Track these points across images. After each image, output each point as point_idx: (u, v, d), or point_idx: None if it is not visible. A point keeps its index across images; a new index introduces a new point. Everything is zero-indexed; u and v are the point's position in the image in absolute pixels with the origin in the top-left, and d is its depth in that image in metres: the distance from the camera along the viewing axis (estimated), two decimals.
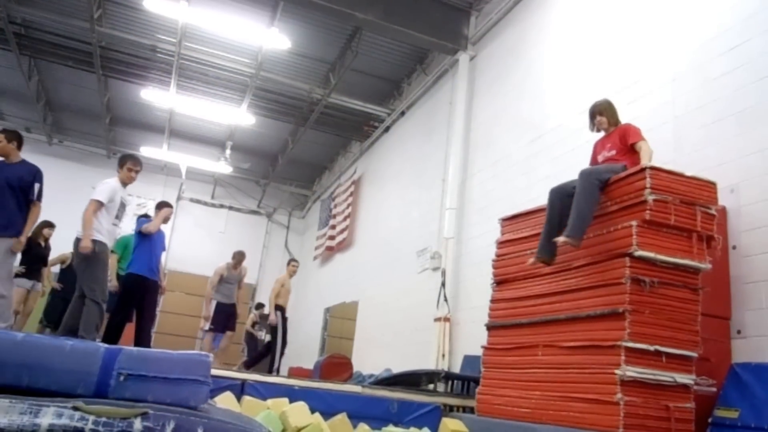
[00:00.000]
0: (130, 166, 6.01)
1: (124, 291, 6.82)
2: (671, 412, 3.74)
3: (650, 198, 3.93)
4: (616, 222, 4.13)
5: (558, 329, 4.36)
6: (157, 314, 9.83)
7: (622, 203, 4.16)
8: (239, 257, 9.64)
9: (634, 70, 5.99)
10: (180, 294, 16.47)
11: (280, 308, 9.20)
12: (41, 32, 11.44)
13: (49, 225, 8.20)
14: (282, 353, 9.06)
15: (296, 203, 19.23)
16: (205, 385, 2.18)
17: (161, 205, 7.23)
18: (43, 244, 8.13)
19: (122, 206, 5.97)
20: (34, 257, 7.83)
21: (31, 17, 10.96)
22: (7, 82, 13.78)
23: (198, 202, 18.06)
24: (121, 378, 2.02)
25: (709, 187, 4.23)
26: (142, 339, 6.66)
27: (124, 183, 5.99)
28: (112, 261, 7.20)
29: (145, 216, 7.24)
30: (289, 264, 9.80)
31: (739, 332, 4.36)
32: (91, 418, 1.84)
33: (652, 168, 4.05)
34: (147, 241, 6.87)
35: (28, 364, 1.96)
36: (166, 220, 7.07)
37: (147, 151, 15.81)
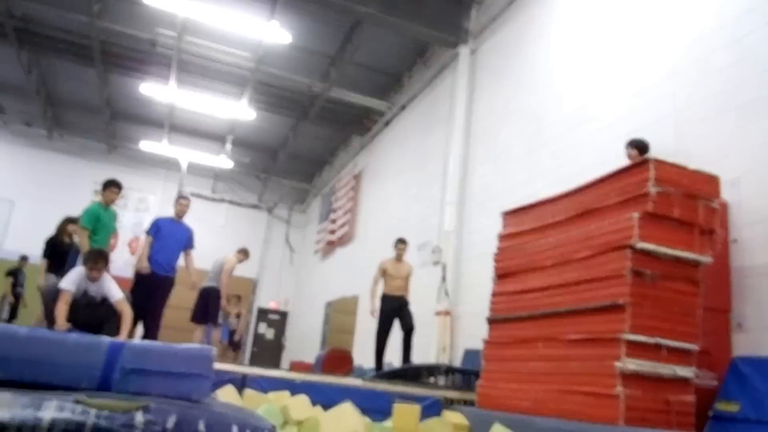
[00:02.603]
0: None
1: (132, 285, 6.80)
2: (672, 405, 3.74)
3: (653, 190, 3.92)
4: (618, 214, 4.11)
5: (559, 322, 4.36)
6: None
7: (624, 195, 4.14)
8: (248, 254, 9.35)
9: (635, 63, 5.97)
10: (180, 288, 16.45)
11: (384, 298, 7.59)
12: (41, 26, 11.41)
13: (72, 221, 7.91)
14: (380, 349, 7.56)
15: (297, 198, 19.23)
16: (208, 379, 2.18)
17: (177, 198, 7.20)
18: (69, 241, 7.92)
19: None
20: (61, 255, 7.60)
21: (31, 11, 10.93)
22: (8, 77, 13.76)
23: (198, 196, 18.02)
24: (125, 372, 2.03)
25: (712, 180, 4.22)
26: (148, 333, 6.66)
27: None
28: (84, 238, 6.25)
29: (174, 218, 7.08)
30: (395, 245, 7.91)
31: (739, 325, 4.36)
32: (93, 411, 1.84)
33: (656, 160, 4.03)
34: (156, 238, 6.85)
35: (31, 359, 1.97)
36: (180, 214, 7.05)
37: (147, 145, 15.81)
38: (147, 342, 2.23)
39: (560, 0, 7.63)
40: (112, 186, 6.63)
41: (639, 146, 5.09)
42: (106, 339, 2.14)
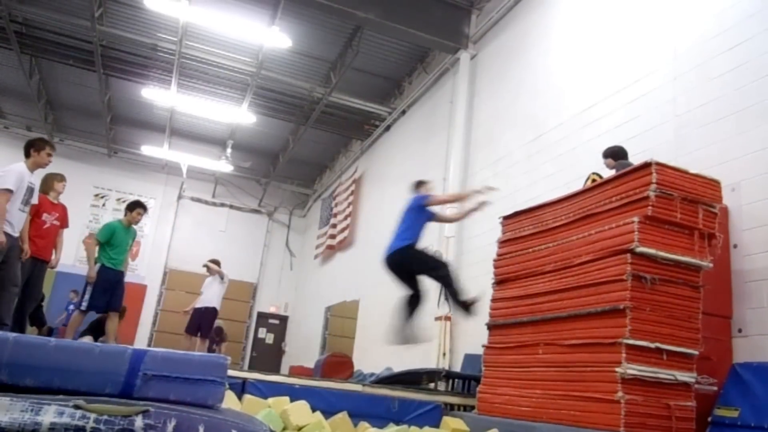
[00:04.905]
0: (49, 150, 5.96)
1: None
2: (672, 410, 3.73)
3: (652, 194, 3.92)
4: (619, 218, 4.11)
5: (559, 327, 4.36)
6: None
7: (626, 198, 4.13)
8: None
9: (636, 69, 5.98)
10: (181, 293, 16.48)
11: None
12: (42, 31, 11.44)
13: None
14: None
15: (297, 202, 19.24)
16: (222, 386, 2.24)
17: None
18: None
19: (29, 191, 5.81)
20: None
21: (32, 16, 10.96)
22: (9, 81, 13.79)
23: (199, 200, 18.06)
24: (146, 378, 2.08)
25: (713, 185, 4.23)
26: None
27: (39, 167, 5.92)
28: (93, 250, 6.60)
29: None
30: None
31: (740, 331, 4.35)
32: (93, 416, 1.84)
33: (658, 164, 4.03)
34: None
35: (60, 368, 2.04)
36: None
37: (148, 149, 15.83)
38: (167, 350, 2.29)
39: (560, 6, 7.66)
40: (138, 207, 6.90)
41: (611, 154, 5.14)
42: (129, 347, 2.18)
